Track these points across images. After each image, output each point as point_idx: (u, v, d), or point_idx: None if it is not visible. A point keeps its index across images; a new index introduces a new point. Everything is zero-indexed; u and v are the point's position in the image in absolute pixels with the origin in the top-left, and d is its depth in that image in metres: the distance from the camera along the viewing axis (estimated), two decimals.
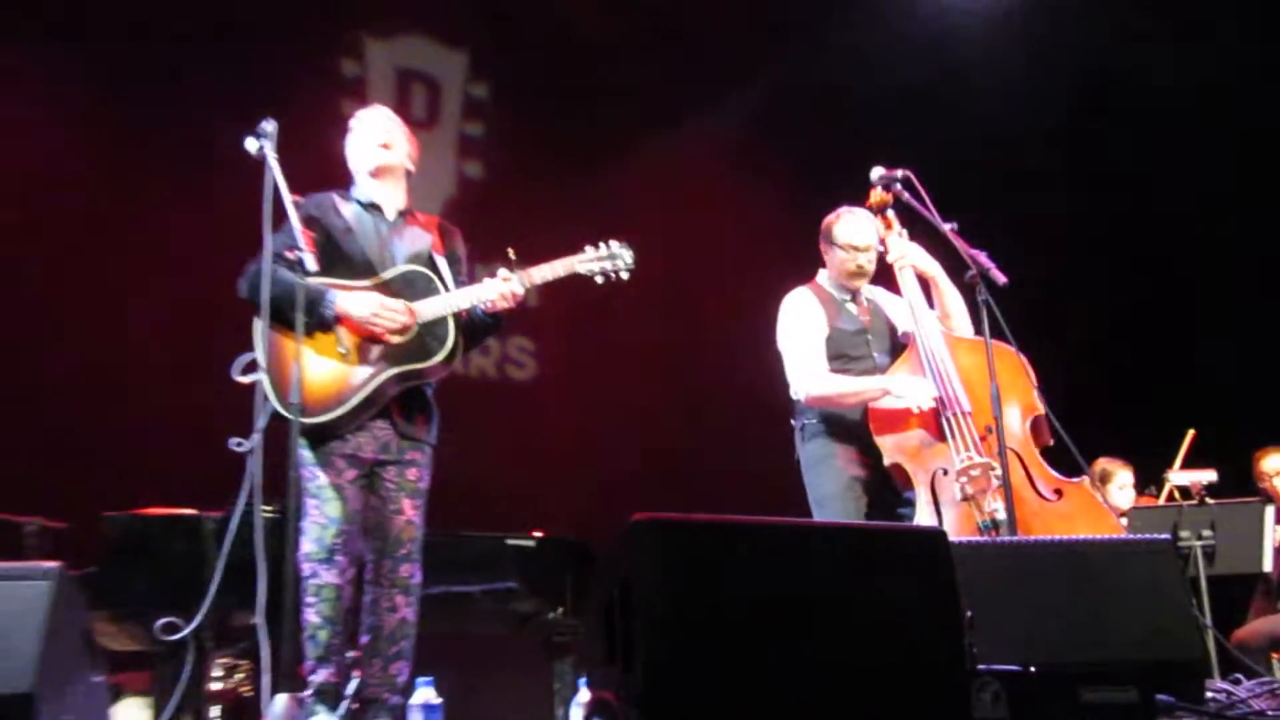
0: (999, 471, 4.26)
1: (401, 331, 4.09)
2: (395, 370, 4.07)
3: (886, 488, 4.60)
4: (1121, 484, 6.85)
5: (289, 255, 3.91)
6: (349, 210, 4.27)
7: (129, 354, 6.99)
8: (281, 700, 3.48)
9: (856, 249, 4.76)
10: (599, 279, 4.35)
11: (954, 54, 8.46)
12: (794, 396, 4.73)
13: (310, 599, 3.94)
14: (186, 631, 4.06)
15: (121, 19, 7.30)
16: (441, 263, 4.28)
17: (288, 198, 3.96)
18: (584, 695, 4.06)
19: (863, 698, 2.68)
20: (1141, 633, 3.22)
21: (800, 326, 4.75)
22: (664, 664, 2.58)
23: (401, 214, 4.33)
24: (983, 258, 4.43)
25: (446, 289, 4.19)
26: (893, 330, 4.85)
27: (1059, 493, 4.41)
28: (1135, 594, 3.28)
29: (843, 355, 4.72)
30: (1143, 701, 3.09)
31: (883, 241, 4.82)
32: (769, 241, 8.04)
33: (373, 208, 4.29)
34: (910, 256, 4.77)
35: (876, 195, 4.83)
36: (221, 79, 7.25)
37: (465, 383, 8.15)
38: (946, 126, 8.19)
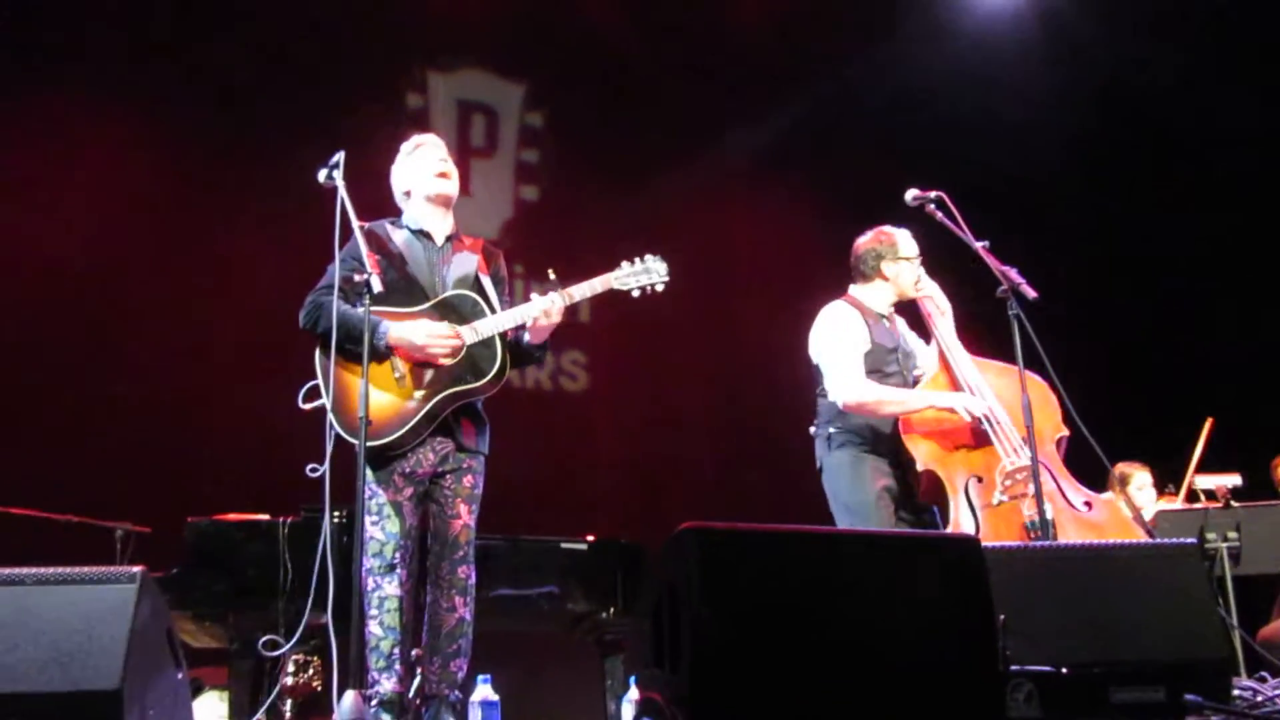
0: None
1: (452, 354, 4.09)
2: (448, 391, 4.08)
3: (912, 497, 4.57)
4: (1140, 485, 6.76)
5: (356, 279, 3.94)
6: (400, 237, 4.27)
7: (213, 371, 7.06)
8: (350, 697, 3.49)
9: (918, 258, 4.81)
10: (635, 293, 4.31)
11: (987, 70, 8.38)
12: (831, 400, 4.67)
13: (373, 611, 3.95)
14: (286, 649, 4.12)
15: (203, 55, 7.39)
16: (487, 284, 4.27)
17: (356, 226, 4.01)
18: (635, 692, 4.04)
19: (901, 699, 2.65)
20: (1170, 633, 3.15)
21: (843, 336, 4.70)
22: (708, 667, 2.56)
23: (449, 239, 4.32)
24: (1013, 274, 4.37)
25: (492, 310, 4.19)
26: (913, 354, 4.84)
27: (1089, 505, 4.40)
28: (1163, 596, 3.21)
29: (878, 370, 4.67)
30: (1171, 701, 3.03)
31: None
32: (804, 256, 8.02)
33: (422, 234, 4.29)
34: (930, 292, 4.84)
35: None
36: (294, 113, 7.31)
37: (521, 394, 8.17)
38: (976, 141, 8.13)
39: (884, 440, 4.60)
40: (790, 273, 8.18)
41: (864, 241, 4.87)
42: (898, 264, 4.79)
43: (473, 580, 4.13)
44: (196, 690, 5.01)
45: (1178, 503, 6.48)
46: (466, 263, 4.28)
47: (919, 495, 4.55)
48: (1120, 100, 8.42)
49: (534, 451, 7.81)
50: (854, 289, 4.87)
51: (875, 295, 4.83)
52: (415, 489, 4.09)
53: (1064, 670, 2.98)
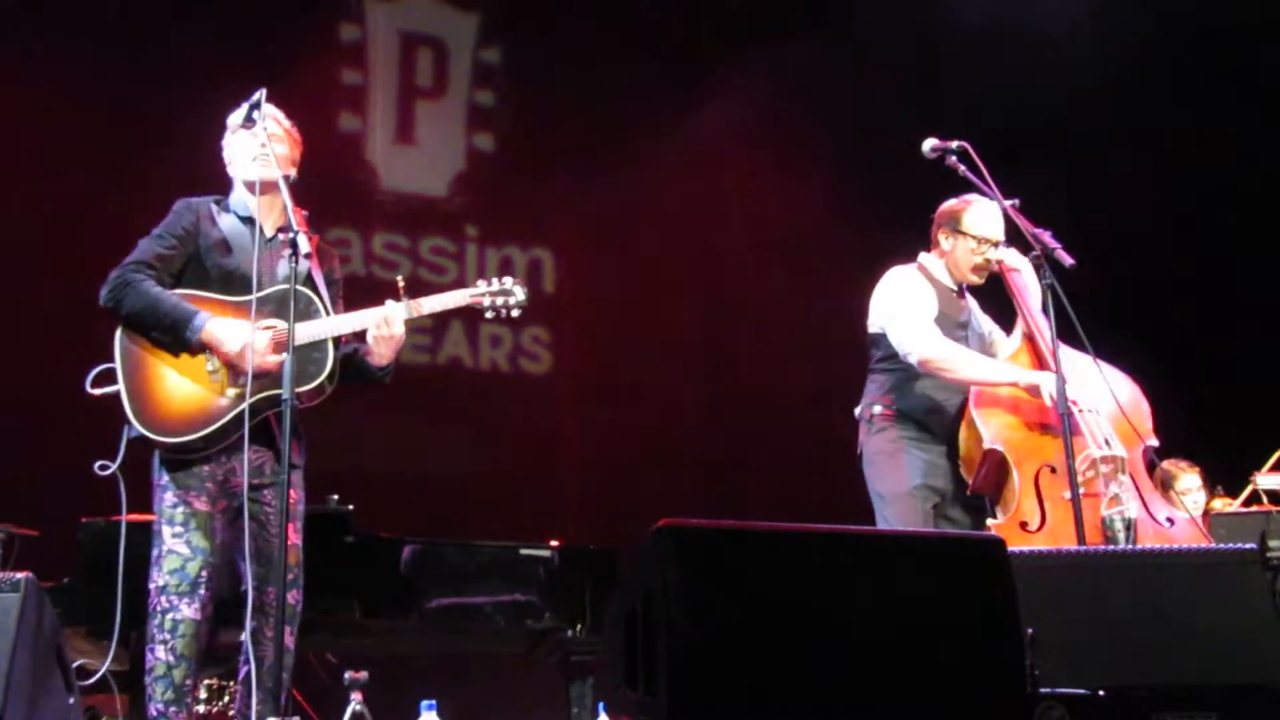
0: (1127, 473, 4.34)
1: (276, 351, 4.09)
2: (267, 394, 4.06)
3: (962, 495, 4.64)
4: (1185, 488, 6.74)
5: (282, 237, 3.95)
6: (225, 222, 4.27)
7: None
8: None
9: (989, 241, 4.81)
10: (489, 314, 4.41)
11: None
12: (883, 375, 4.79)
13: (164, 635, 3.93)
14: (97, 676, 4.14)
15: None
16: (319, 281, 4.26)
17: (279, 172, 4.01)
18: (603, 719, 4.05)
19: None
20: (1225, 653, 3.18)
21: (912, 295, 4.81)
22: (688, 686, 2.57)
23: (280, 230, 4.28)
24: (1048, 237, 4.40)
25: (326, 312, 4.20)
26: (984, 334, 4.95)
27: (1171, 521, 4.45)
28: (1218, 609, 3.24)
29: None
30: None
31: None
32: (810, 223, 8.01)
33: (249, 222, 4.28)
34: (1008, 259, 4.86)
35: None
36: (211, 43, 7.26)
37: (475, 376, 8.17)
38: (1002, 95, 8.11)
39: (936, 428, 4.69)
40: (793, 239, 8.19)
41: (942, 206, 4.96)
42: (955, 239, 4.87)
43: (300, 607, 4.14)
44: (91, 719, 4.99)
45: (1235, 505, 6.50)
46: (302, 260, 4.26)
47: (972, 485, 4.61)
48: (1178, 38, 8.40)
49: (489, 442, 7.83)
50: (923, 256, 4.99)
51: (939, 268, 4.93)
52: (229, 503, 4.11)
53: (1101, 693, 3.00)
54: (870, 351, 4.90)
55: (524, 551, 5.32)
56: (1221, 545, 3.67)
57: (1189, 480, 6.77)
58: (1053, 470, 4.41)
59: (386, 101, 8.41)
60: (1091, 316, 4.44)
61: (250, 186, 4.24)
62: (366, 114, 8.36)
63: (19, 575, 3.23)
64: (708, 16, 8.67)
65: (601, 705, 4.12)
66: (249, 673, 4.02)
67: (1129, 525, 4.17)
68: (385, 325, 4.19)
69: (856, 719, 2.64)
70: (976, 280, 4.91)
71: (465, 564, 5.23)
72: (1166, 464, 6.68)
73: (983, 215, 4.83)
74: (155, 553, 4.00)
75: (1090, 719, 2.95)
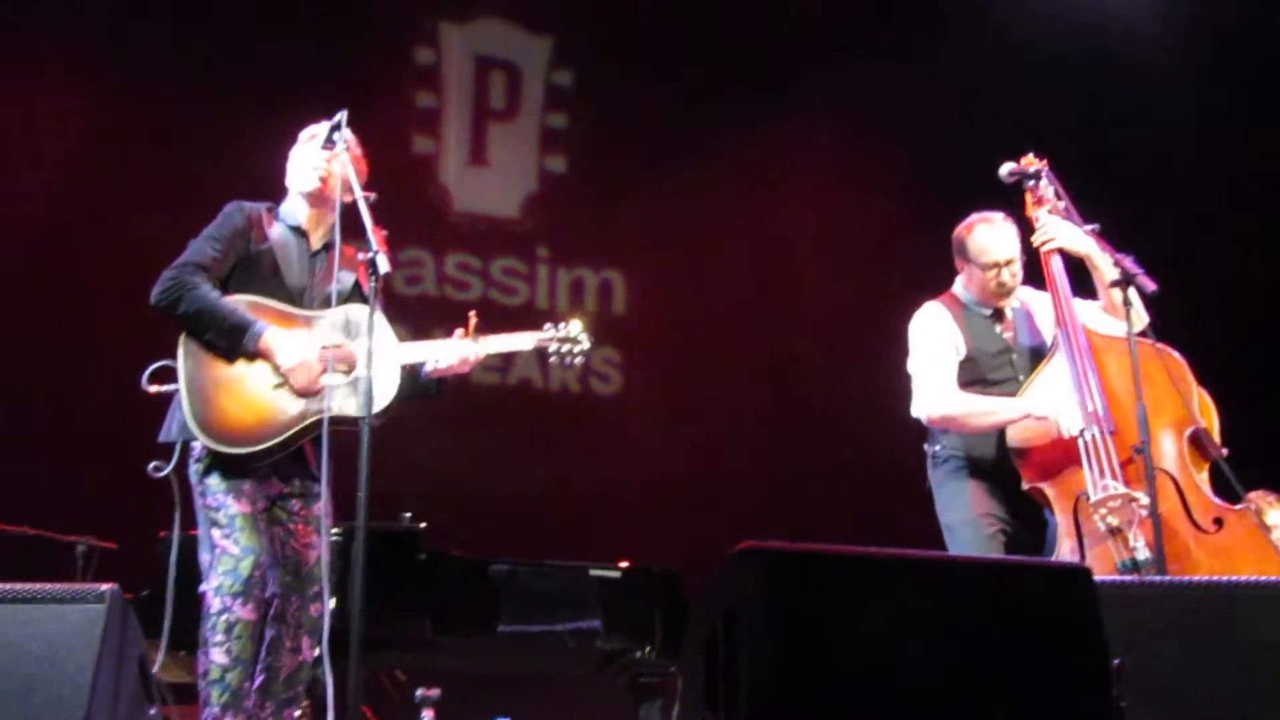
0: (1143, 502, 4.13)
1: (344, 370, 4.11)
2: (331, 414, 4.06)
3: (1026, 521, 4.53)
4: (1275, 522, 6.59)
5: (361, 256, 3.97)
6: (275, 231, 4.29)
7: None
8: None
9: (998, 264, 4.62)
10: (553, 359, 4.46)
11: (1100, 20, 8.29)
12: (915, 416, 4.67)
13: (219, 637, 3.93)
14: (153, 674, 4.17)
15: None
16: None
17: (359, 192, 4.04)
18: None
19: None
20: None
21: (933, 345, 4.66)
22: (769, 707, 2.55)
23: (327, 246, 4.32)
24: (1129, 262, 4.31)
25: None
26: (1041, 345, 4.70)
27: (1219, 522, 4.23)
28: None
29: (980, 380, 4.62)
30: None
31: (1032, 222, 4.68)
32: (883, 245, 7.98)
33: (298, 232, 4.32)
34: (1059, 238, 4.61)
35: (1026, 162, 4.73)
36: (290, 68, 7.35)
37: (546, 398, 8.20)
38: (1083, 116, 8.05)
39: (990, 457, 4.57)
40: (862, 260, 8.16)
41: (956, 229, 4.79)
42: (968, 267, 4.71)
43: (325, 620, 4.09)
44: None
45: None
46: (344, 276, 4.28)
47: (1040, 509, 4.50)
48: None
49: (559, 464, 7.84)
50: (956, 282, 4.82)
51: (970, 295, 4.76)
52: (266, 504, 4.13)
53: None
54: None
55: (593, 572, 5.33)
56: None
57: (1278, 515, 6.63)
58: (1088, 499, 4.26)
59: (460, 124, 8.48)
60: (1172, 337, 4.37)
61: (304, 197, 4.29)
62: (440, 136, 8.44)
63: (104, 587, 3.24)
64: (780, 37, 8.65)
65: None
66: (264, 682, 4.04)
67: (1138, 567, 4.05)
68: (467, 362, 4.27)
69: None
70: (1002, 303, 4.71)
71: (535, 584, 5.23)
72: (1254, 495, 6.48)
73: (985, 239, 4.63)
74: (206, 558, 4.02)
75: None
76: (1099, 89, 8.32)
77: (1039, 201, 4.69)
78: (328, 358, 4.10)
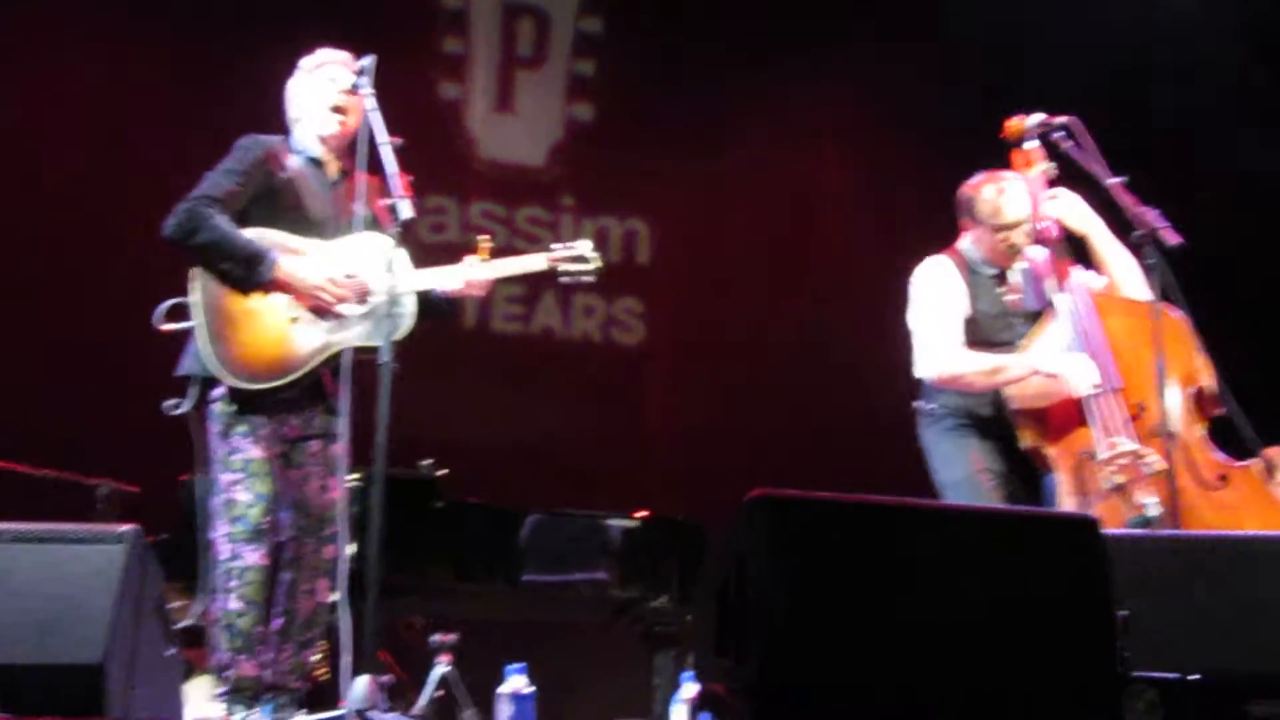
0: (1150, 459, 4.17)
1: (360, 301, 4.13)
2: (353, 345, 4.09)
3: (1023, 478, 4.52)
4: None
5: (384, 202, 3.99)
6: (293, 162, 4.29)
7: None
8: (362, 682, 3.57)
9: (1008, 227, 4.57)
10: (563, 279, 4.44)
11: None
12: (918, 376, 4.64)
13: (232, 583, 3.97)
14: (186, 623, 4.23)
15: None
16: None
17: (384, 139, 4.05)
18: (687, 691, 4.09)
19: (999, 701, 2.66)
20: None
21: (935, 300, 4.61)
22: (781, 654, 2.59)
23: (344, 173, 4.34)
24: (1153, 216, 4.28)
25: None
26: (1045, 308, 4.66)
27: (1224, 479, 4.27)
28: None
29: (985, 341, 4.57)
30: None
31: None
32: (911, 206, 7.94)
33: (315, 163, 4.32)
34: (1068, 215, 4.63)
35: (1013, 125, 4.73)
36: (317, 12, 7.34)
37: (566, 346, 8.22)
38: (1105, 73, 7.98)
39: (985, 416, 4.56)
40: (889, 220, 8.13)
41: (960, 188, 4.74)
42: (977, 227, 4.65)
43: (342, 563, 4.12)
44: (187, 674, 5.12)
45: None
46: (363, 202, 4.27)
47: (1038, 470, 4.50)
48: None
49: (579, 413, 7.88)
50: (962, 239, 4.75)
51: (976, 253, 4.70)
52: (282, 448, 4.15)
53: (1193, 678, 2.98)
54: None
55: (611, 521, 5.37)
56: None
57: None
58: (1092, 458, 4.28)
59: (487, 70, 8.46)
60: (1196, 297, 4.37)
61: (320, 139, 4.29)
62: (466, 83, 8.43)
63: (124, 528, 3.30)
64: None
65: (685, 675, 4.14)
66: (283, 625, 4.10)
67: (1149, 523, 4.06)
68: (476, 287, 4.29)
69: (944, 694, 2.66)
70: (1010, 264, 4.66)
71: (553, 532, 5.28)
72: (1271, 451, 6.48)
73: (991, 199, 4.57)
74: (216, 501, 4.05)
75: (1181, 704, 2.94)
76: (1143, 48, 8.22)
77: (1027, 164, 4.67)
78: (348, 285, 4.13)
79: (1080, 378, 4.33)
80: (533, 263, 4.41)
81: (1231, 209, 7.80)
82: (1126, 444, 4.24)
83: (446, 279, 4.26)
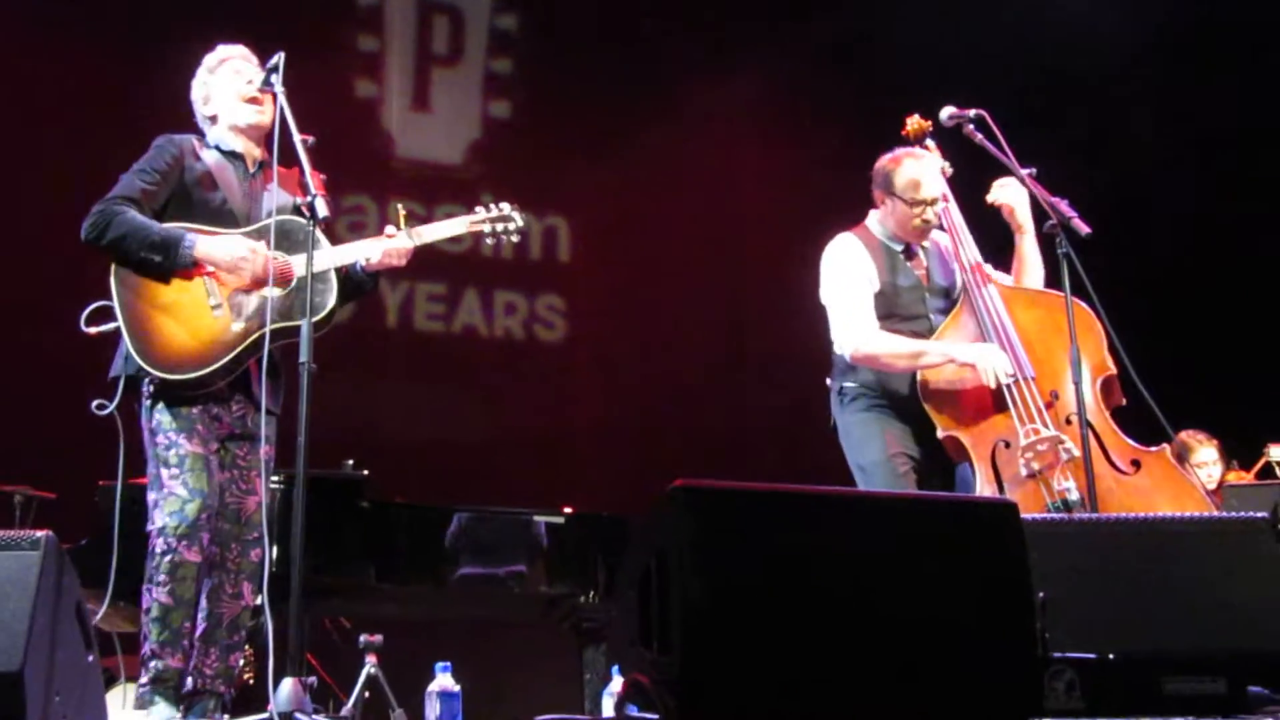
0: (1069, 445, 4.25)
1: (282, 284, 4.12)
2: (277, 325, 4.04)
3: (936, 461, 4.56)
4: (1202, 460, 6.68)
5: (299, 201, 3.97)
6: (209, 157, 4.26)
7: None
8: (287, 685, 3.54)
9: (924, 202, 4.63)
10: (489, 240, 4.52)
11: None
12: (838, 353, 4.68)
13: (163, 578, 3.93)
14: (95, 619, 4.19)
15: None
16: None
17: (297, 136, 4.02)
18: (617, 684, 4.11)
19: (922, 686, 2.69)
20: (1233, 619, 3.19)
21: (847, 278, 4.66)
22: (702, 645, 2.60)
23: (261, 165, 4.32)
24: (1064, 206, 4.35)
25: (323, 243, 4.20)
26: (952, 286, 4.76)
27: (1136, 464, 4.35)
28: (1228, 577, 3.25)
29: (894, 314, 4.63)
30: (1233, 694, 3.08)
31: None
32: (825, 192, 8.00)
33: (233, 156, 4.30)
34: (1014, 204, 4.70)
35: (914, 123, 4.86)
36: (224, 6, 7.27)
37: (489, 344, 8.22)
38: (1014, 64, 8.09)
39: (901, 396, 4.59)
40: (808, 208, 8.17)
41: (876, 163, 4.79)
42: (890, 200, 4.70)
43: (265, 566, 4.11)
44: (109, 682, 5.05)
45: (1249, 478, 6.51)
46: (283, 191, 4.28)
47: (951, 460, 4.55)
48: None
49: (503, 410, 7.88)
50: (871, 216, 4.82)
51: (884, 230, 4.77)
52: (219, 444, 4.12)
53: (1110, 657, 3.03)
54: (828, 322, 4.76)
55: (537, 518, 5.37)
56: (1232, 514, 3.69)
57: (1206, 453, 6.74)
58: (1008, 445, 4.34)
59: (403, 68, 8.44)
60: (1103, 288, 4.44)
61: (238, 131, 4.26)
62: (383, 81, 8.40)
63: (39, 533, 3.24)
64: None
65: (615, 669, 4.16)
66: (206, 629, 4.07)
67: (1070, 508, 4.13)
68: (394, 256, 4.25)
69: (867, 678, 2.68)
70: (920, 240, 4.74)
71: (479, 530, 5.27)
72: (1184, 435, 6.62)
73: (913, 174, 4.63)
74: (152, 496, 4.00)
75: (1099, 683, 2.99)
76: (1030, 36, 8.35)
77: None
78: (268, 265, 4.09)
79: (996, 367, 4.39)
80: (454, 227, 4.42)
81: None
82: (1046, 431, 4.31)
83: (366, 250, 4.23)
